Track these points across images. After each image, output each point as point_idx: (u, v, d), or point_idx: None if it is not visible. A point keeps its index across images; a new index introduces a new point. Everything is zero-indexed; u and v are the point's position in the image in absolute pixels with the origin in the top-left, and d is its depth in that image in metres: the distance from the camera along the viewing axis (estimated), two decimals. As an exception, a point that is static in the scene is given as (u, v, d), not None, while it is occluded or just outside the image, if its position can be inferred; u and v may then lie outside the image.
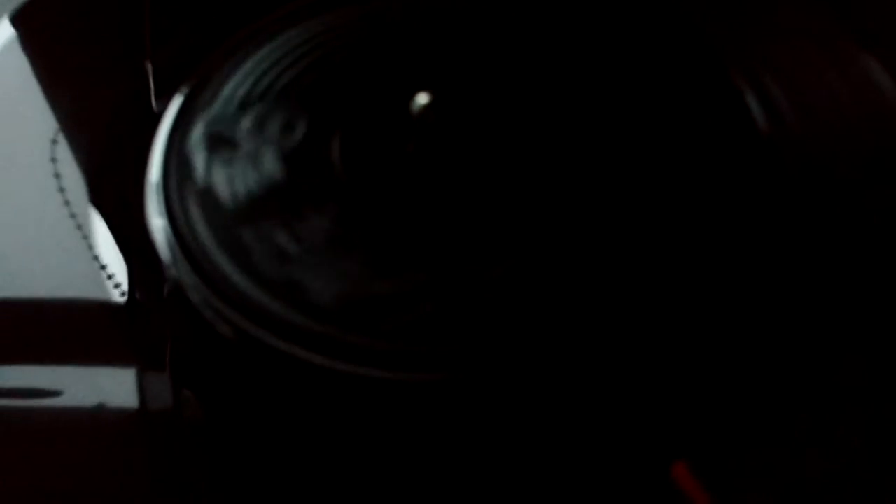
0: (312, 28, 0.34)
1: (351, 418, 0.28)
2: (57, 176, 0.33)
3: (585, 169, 0.30)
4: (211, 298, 0.29)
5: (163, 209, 0.31)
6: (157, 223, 0.31)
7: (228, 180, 0.31)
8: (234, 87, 0.33)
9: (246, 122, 0.32)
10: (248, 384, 0.29)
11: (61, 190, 0.33)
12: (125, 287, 0.31)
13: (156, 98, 0.33)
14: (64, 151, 0.33)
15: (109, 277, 0.31)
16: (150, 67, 0.35)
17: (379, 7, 0.35)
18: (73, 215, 0.32)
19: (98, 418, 0.29)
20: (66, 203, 0.32)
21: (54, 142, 0.33)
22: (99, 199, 0.32)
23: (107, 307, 0.31)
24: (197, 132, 0.32)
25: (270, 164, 0.32)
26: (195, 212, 0.30)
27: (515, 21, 0.34)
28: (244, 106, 0.33)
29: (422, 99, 0.31)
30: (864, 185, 0.30)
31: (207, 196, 0.31)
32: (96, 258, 0.31)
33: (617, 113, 0.31)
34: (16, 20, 0.36)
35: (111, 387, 0.29)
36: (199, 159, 0.32)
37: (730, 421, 0.26)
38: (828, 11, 0.33)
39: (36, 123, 0.34)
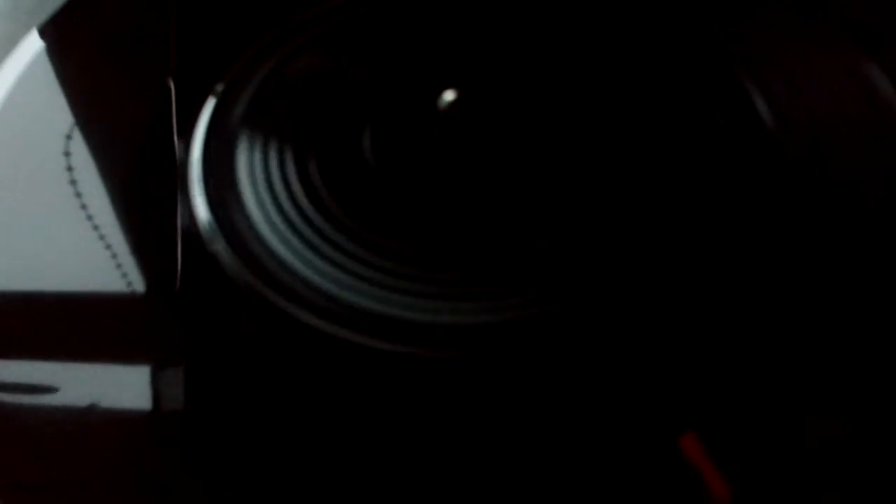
0: (342, 25, 0.36)
1: (372, 394, 0.27)
2: (69, 169, 0.32)
3: (597, 157, 0.32)
4: (246, 275, 0.29)
5: (202, 187, 0.31)
6: (199, 200, 0.31)
7: (264, 169, 0.32)
8: (265, 80, 0.34)
9: (279, 111, 0.33)
10: (267, 366, 0.28)
11: (73, 182, 0.32)
12: (137, 281, 0.30)
13: (178, 134, 0.33)
14: (77, 146, 0.33)
15: (120, 270, 0.30)
16: (172, 86, 0.35)
17: (407, 7, 0.37)
18: (83, 206, 0.31)
19: (100, 415, 0.27)
20: (78, 195, 0.32)
21: (69, 137, 0.33)
22: (123, 194, 0.32)
23: (118, 300, 0.30)
24: (236, 113, 0.33)
25: (304, 149, 0.32)
26: (238, 190, 0.31)
27: (536, 22, 0.36)
28: (275, 97, 0.33)
29: (448, 95, 0.32)
30: (864, 182, 0.31)
31: (247, 172, 0.32)
32: (108, 249, 0.30)
33: (630, 108, 0.33)
34: (44, 32, 0.36)
35: (116, 381, 0.28)
36: (238, 139, 0.32)
37: (735, 392, 0.26)
38: (833, 18, 0.35)
39: (51, 119, 0.33)
